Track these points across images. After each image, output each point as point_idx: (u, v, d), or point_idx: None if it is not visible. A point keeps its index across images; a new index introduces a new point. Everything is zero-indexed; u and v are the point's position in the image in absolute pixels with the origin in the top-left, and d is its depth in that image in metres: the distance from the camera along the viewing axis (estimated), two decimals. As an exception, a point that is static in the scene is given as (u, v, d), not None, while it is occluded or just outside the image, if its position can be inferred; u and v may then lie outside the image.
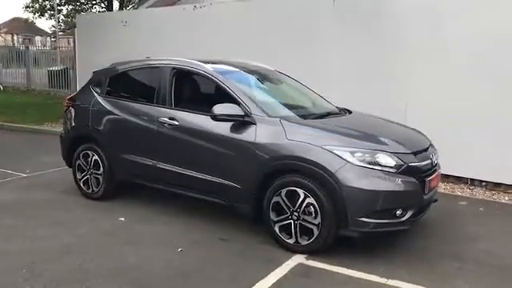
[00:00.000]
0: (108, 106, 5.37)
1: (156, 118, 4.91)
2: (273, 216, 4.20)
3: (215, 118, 4.38)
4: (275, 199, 4.16)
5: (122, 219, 4.95)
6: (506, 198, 5.96)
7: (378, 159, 3.91)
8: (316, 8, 7.54)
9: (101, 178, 5.44)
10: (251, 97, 4.53)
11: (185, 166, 4.74)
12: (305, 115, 4.63)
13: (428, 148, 4.40)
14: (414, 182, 3.99)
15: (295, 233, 4.08)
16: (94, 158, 5.47)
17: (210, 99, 4.70)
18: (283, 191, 4.11)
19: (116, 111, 5.29)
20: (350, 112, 5.01)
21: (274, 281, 3.61)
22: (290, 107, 4.82)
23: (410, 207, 4.00)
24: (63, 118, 6.03)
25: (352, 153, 3.90)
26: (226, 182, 4.45)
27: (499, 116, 6.05)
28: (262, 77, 5.24)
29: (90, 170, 5.51)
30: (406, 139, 4.35)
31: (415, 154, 4.13)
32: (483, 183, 6.31)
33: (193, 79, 5.10)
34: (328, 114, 4.82)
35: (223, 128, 4.46)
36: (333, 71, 7.27)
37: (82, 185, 5.64)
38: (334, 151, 3.92)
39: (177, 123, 4.76)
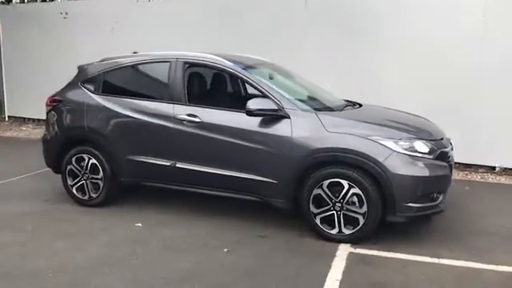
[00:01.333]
0: (108, 105, 4.96)
1: (172, 115, 4.66)
2: (313, 208, 4.22)
3: (251, 113, 4.27)
4: (316, 191, 4.18)
5: (139, 225, 4.63)
6: (479, 177, 6.58)
7: (416, 147, 4.11)
8: (289, 7, 7.62)
9: (101, 182, 5.04)
10: (278, 91, 4.49)
11: (211, 164, 4.56)
12: (330, 107, 4.69)
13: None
14: (446, 166, 4.26)
15: (339, 223, 4.15)
16: (91, 161, 5.04)
17: (233, 94, 4.59)
18: (325, 183, 4.14)
19: (119, 110, 4.90)
20: (359, 104, 5.15)
21: (341, 271, 3.66)
22: (311, 100, 4.85)
23: (443, 190, 4.27)
24: (46, 120, 5.45)
25: (395, 142, 4.06)
26: (261, 178, 4.37)
27: (467, 105, 6.63)
28: (273, 70, 5.19)
29: (86, 175, 5.07)
30: (429, 127, 4.62)
31: (441, 140, 4.41)
32: (456, 165, 6.88)
33: (209, 74, 4.92)
34: (346, 106, 4.93)
35: (253, 123, 4.37)
36: (307, 69, 7.35)
37: (75, 191, 5.17)
38: (379, 141, 4.05)
39: (198, 120, 4.56)
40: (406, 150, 4.05)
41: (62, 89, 5.40)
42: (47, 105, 5.40)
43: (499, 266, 3.76)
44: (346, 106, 4.97)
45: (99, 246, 4.13)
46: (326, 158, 4.16)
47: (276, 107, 4.29)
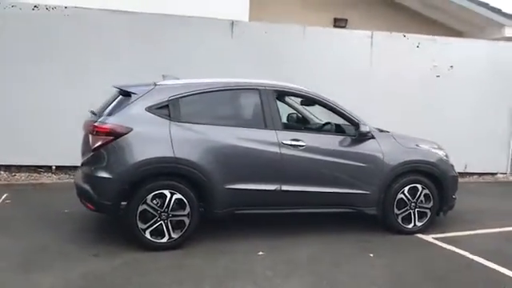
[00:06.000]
0: (202, 133, 4.60)
1: (277, 141, 4.79)
2: (396, 210, 5.25)
3: (365, 135, 5.02)
4: (399, 196, 5.22)
5: (262, 253, 4.56)
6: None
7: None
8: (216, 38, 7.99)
9: (186, 219, 4.56)
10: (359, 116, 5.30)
11: (314, 184, 4.94)
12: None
13: None
14: (453, 167, 6.02)
15: (414, 218, 5.32)
16: (174, 196, 4.49)
17: (318, 119, 5.11)
18: (405, 189, 5.24)
19: (215, 138, 4.63)
20: None
21: (456, 250, 4.84)
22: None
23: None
24: (99, 154, 4.41)
25: (440, 151, 5.56)
26: (357, 191, 5.08)
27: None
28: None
29: (165, 214, 4.49)
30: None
31: (442, 149, 6.14)
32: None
33: (295, 101, 5.20)
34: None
35: (349, 144, 5.09)
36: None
37: (149, 236, 4.47)
38: (436, 151, 5.48)
39: (303, 144, 4.87)
40: (446, 157, 5.62)
41: (114, 116, 4.51)
42: (99, 135, 4.42)
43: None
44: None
45: (300, 280, 4.01)
46: (407, 168, 5.26)
47: (370, 130, 5.14)
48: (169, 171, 4.52)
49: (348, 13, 12.06)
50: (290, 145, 4.84)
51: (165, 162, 4.49)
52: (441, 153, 5.56)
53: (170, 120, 4.58)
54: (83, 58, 7.49)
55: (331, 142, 5.07)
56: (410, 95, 8.68)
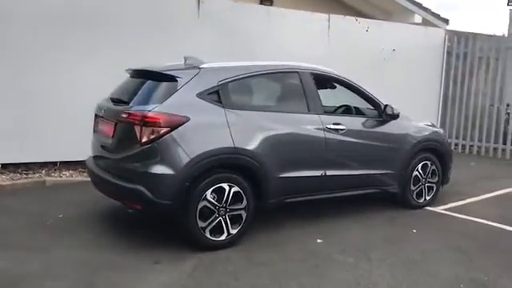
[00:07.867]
0: (253, 121, 4.30)
1: (321, 125, 4.68)
2: (412, 187, 5.53)
3: (398, 117, 5.17)
4: (414, 173, 5.51)
5: (320, 241, 4.46)
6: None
7: (436, 131, 6.16)
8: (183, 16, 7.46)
9: (244, 213, 4.26)
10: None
11: (353, 167, 4.97)
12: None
13: None
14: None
15: (425, 193, 5.67)
16: (232, 190, 4.16)
17: (349, 102, 5.15)
18: (419, 166, 5.54)
19: (269, 125, 4.37)
20: None
21: (468, 217, 5.30)
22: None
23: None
24: (154, 149, 3.84)
25: (439, 129, 5.99)
26: (386, 171, 5.24)
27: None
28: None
29: (223, 209, 4.13)
30: None
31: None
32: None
33: (328, 84, 5.09)
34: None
35: (378, 126, 5.22)
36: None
37: (208, 234, 4.09)
38: (438, 129, 5.91)
39: (343, 127, 4.84)
40: (443, 134, 6.06)
41: (164, 104, 3.96)
42: (151, 126, 3.86)
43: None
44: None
45: (384, 262, 3.99)
46: (422, 146, 5.54)
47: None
48: (230, 163, 4.15)
49: (273, -8, 12.13)
50: (333, 129, 4.78)
51: (226, 153, 4.11)
52: (440, 131, 5.98)
53: (223, 107, 4.18)
54: (29, 38, 6.39)
55: (364, 124, 5.13)
56: (362, 75, 9.04)
